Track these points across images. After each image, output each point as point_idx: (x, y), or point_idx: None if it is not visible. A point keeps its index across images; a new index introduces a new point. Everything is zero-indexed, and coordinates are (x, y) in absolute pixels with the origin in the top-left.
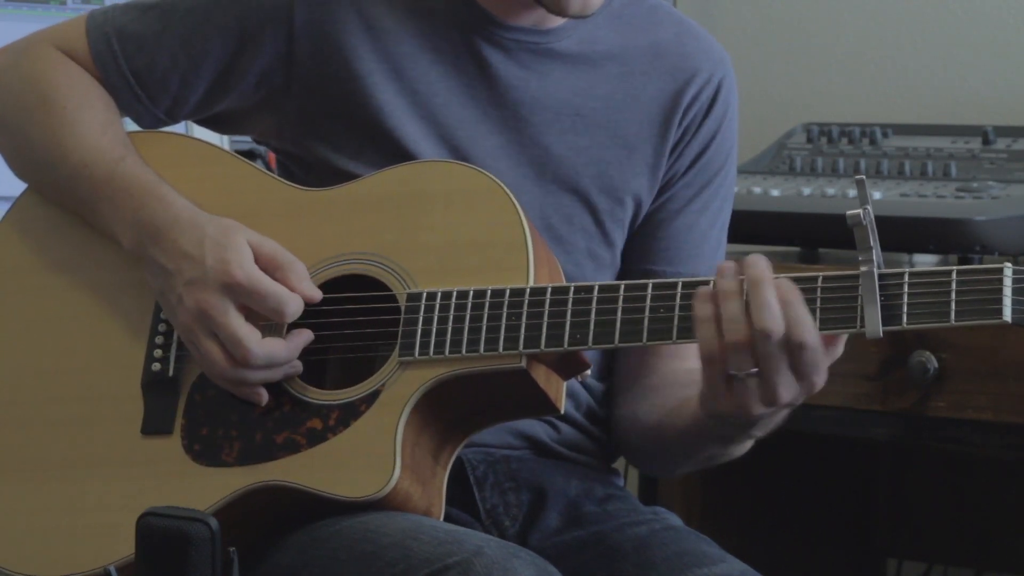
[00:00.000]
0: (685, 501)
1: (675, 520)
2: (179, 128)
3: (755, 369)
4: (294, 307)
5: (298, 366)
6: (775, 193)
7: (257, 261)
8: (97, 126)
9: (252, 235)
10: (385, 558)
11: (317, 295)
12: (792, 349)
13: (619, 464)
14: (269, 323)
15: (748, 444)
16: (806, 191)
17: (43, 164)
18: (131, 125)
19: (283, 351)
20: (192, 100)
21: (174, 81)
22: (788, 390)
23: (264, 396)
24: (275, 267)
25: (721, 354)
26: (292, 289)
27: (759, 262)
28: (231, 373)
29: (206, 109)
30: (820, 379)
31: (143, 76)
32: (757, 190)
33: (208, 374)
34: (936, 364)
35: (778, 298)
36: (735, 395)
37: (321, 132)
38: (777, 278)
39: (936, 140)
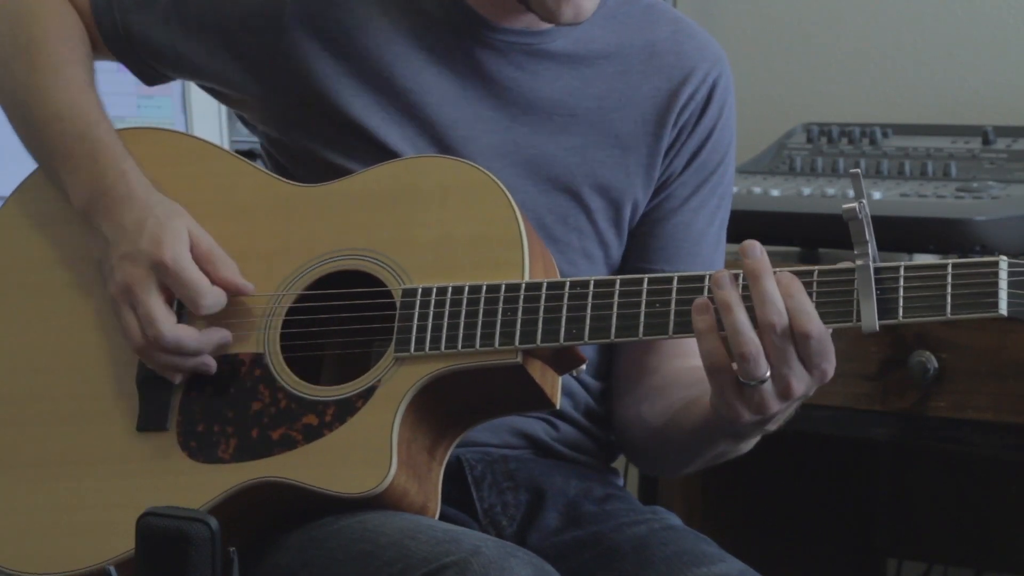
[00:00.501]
0: (685, 501)
1: (674, 520)
2: (179, 123)
3: (768, 374)
4: (211, 300)
5: (211, 363)
6: (775, 193)
7: (192, 251)
8: (80, 83)
9: (194, 227)
10: (383, 558)
11: (247, 287)
12: (798, 340)
13: (618, 463)
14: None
15: (756, 438)
16: (806, 191)
17: (21, 104)
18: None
19: (192, 340)
20: (183, 66)
21: (164, 47)
22: (800, 381)
23: (177, 378)
24: (206, 261)
25: (728, 363)
26: (217, 281)
27: (754, 250)
28: (143, 349)
29: (196, 78)
30: (830, 367)
31: (133, 32)
32: (757, 190)
33: (129, 346)
34: (936, 364)
35: (779, 290)
36: (748, 398)
37: (310, 127)
38: (777, 270)
39: (936, 140)
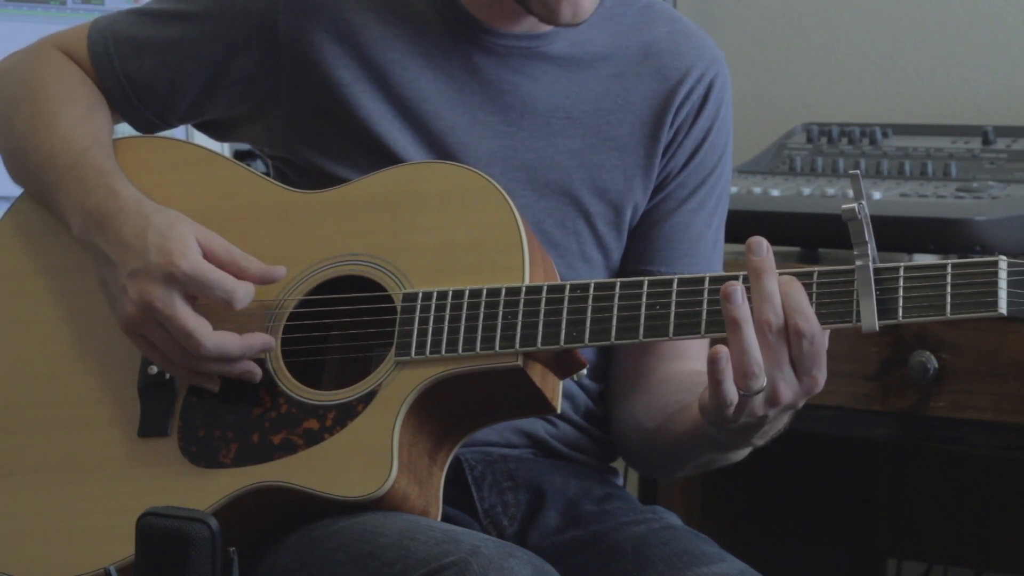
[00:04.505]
0: (685, 501)
1: (674, 519)
2: (180, 133)
3: (763, 384)
4: (243, 292)
5: (255, 369)
6: (775, 193)
7: (208, 256)
8: (75, 119)
9: (200, 230)
10: (382, 558)
11: (278, 271)
12: (791, 339)
13: (618, 463)
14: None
15: (746, 450)
16: (806, 191)
17: (19, 153)
18: (129, 130)
19: (235, 345)
20: (182, 105)
21: (163, 85)
22: (789, 387)
23: (218, 383)
24: (229, 263)
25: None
26: (242, 275)
27: (760, 248)
28: (184, 362)
29: (197, 115)
30: (821, 376)
31: (134, 79)
32: (757, 190)
33: (159, 365)
34: (936, 364)
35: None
36: (739, 406)
37: (312, 139)
38: (778, 272)
39: (936, 140)
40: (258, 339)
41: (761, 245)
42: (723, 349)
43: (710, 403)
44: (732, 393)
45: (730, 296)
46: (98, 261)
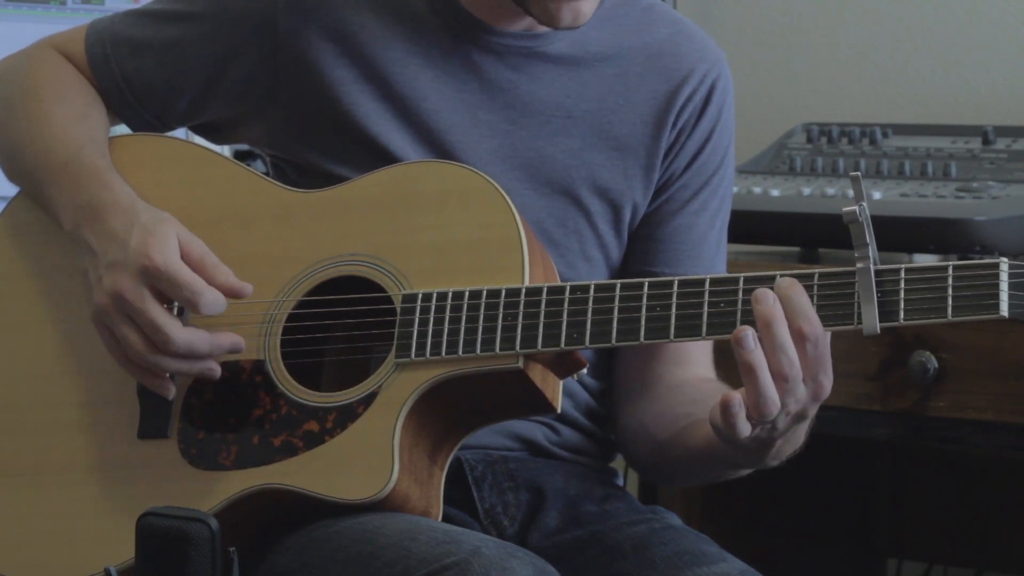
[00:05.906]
0: (685, 501)
1: (674, 519)
2: (179, 134)
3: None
4: (210, 299)
5: (216, 369)
6: (775, 193)
7: (184, 258)
8: (69, 118)
9: (184, 232)
10: (383, 558)
11: (245, 289)
12: (795, 344)
13: (618, 463)
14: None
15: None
16: (806, 191)
17: (14, 152)
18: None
19: (204, 342)
20: (180, 105)
21: (162, 86)
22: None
23: (171, 390)
24: (199, 267)
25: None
26: (210, 282)
27: (767, 298)
28: (149, 358)
29: (196, 115)
30: (827, 381)
31: (132, 80)
32: (757, 190)
33: (120, 360)
34: (936, 364)
35: (779, 292)
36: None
37: (311, 139)
38: (779, 274)
39: (936, 140)
40: (227, 338)
41: (767, 296)
42: (735, 396)
43: (723, 437)
44: (746, 430)
45: (741, 342)
46: (82, 252)
